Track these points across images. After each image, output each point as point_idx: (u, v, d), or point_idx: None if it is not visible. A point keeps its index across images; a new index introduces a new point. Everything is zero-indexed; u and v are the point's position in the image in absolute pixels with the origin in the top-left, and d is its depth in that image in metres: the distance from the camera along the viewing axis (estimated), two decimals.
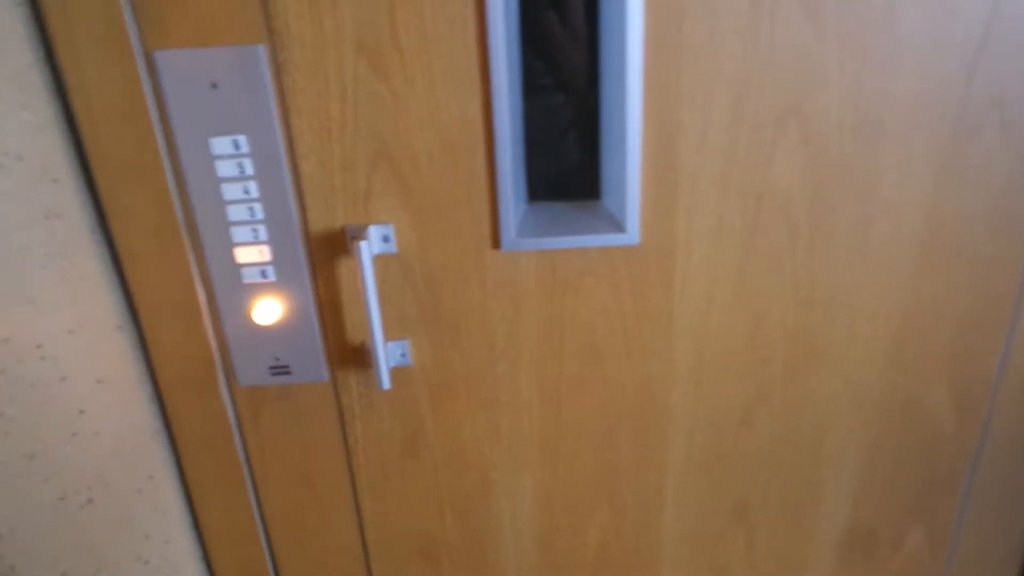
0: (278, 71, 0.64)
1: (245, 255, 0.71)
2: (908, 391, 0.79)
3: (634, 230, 0.70)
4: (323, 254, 0.72)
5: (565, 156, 0.74)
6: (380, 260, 0.72)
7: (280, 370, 0.77)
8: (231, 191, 0.69)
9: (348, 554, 0.88)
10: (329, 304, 0.74)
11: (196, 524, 0.85)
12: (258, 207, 0.69)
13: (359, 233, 0.70)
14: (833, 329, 0.76)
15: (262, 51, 0.63)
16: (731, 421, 0.81)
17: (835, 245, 0.72)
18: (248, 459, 0.82)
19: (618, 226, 0.71)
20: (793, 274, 0.73)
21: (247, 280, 0.72)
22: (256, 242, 0.71)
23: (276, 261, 0.72)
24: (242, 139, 0.67)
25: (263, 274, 0.72)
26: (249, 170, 0.68)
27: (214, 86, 0.65)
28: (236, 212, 0.70)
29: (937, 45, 0.63)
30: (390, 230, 0.71)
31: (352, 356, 0.77)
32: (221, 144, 0.67)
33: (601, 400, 0.79)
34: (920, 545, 0.88)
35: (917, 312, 0.75)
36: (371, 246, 0.70)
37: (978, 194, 0.70)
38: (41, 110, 0.63)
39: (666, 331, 0.76)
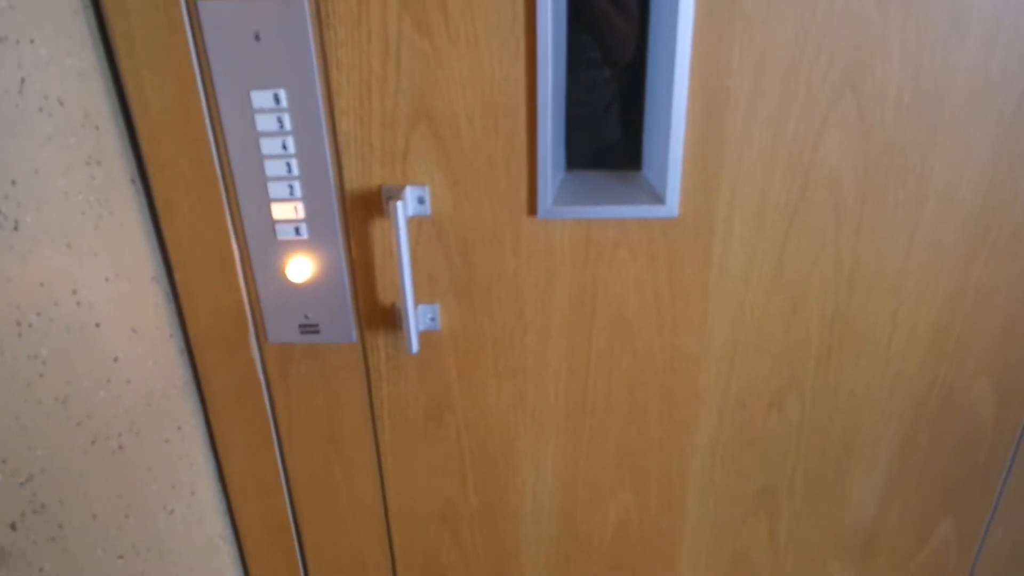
0: (320, 24, 0.63)
1: (280, 211, 0.71)
2: (949, 383, 0.77)
3: (673, 202, 0.69)
4: (357, 213, 0.71)
5: (607, 130, 0.73)
6: (414, 222, 0.72)
7: (310, 329, 0.77)
8: (269, 146, 0.68)
9: (369, 513, 0.88)
10: (361, 264, 0.74)
11: (221, 476, 0.86)
12: (295, 163, 0.69)
13: (395, 193, 0.70)
14: (875, 314, 0.74)
15: (306, 3, 0.62)
16: (762, 404, 0.79)
17: (883, 226, 0.69)
18: (274, 415, 0.83)
19: (657, 197, 0.69)
20: (836, 255, 0.71)
21: (281, 237, 0.72)
22: (291, 199, 0.71)
23: (310, 219, 0.71)
24: (282, 93, 0.66)
25: (297, 231, 0.72)
26: (288, 125, 0.68)
27: (257, 38, 0.64)
28: (273, 167, 0.69)
29: (1005, 18, 0.60)
30: (426, 191, 0.70)
31: (382, 318, 0.77)
32: (261, 97, 0.66)
33: (630, 375, 0.78)
34: (948, 539, 0.86)
35: (965, 301, 0.72)
36: (406, 207, 0.69)
37: None
38: (85, 56, 0.62)
39: (700, 308, 0.74)
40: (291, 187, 0.70)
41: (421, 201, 0.70)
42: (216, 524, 0.86)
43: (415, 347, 0.72)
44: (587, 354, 0.77)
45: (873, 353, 0.76)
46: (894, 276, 0.72)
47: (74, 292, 0.61)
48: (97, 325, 0.64)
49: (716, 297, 0.74)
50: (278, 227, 0.72)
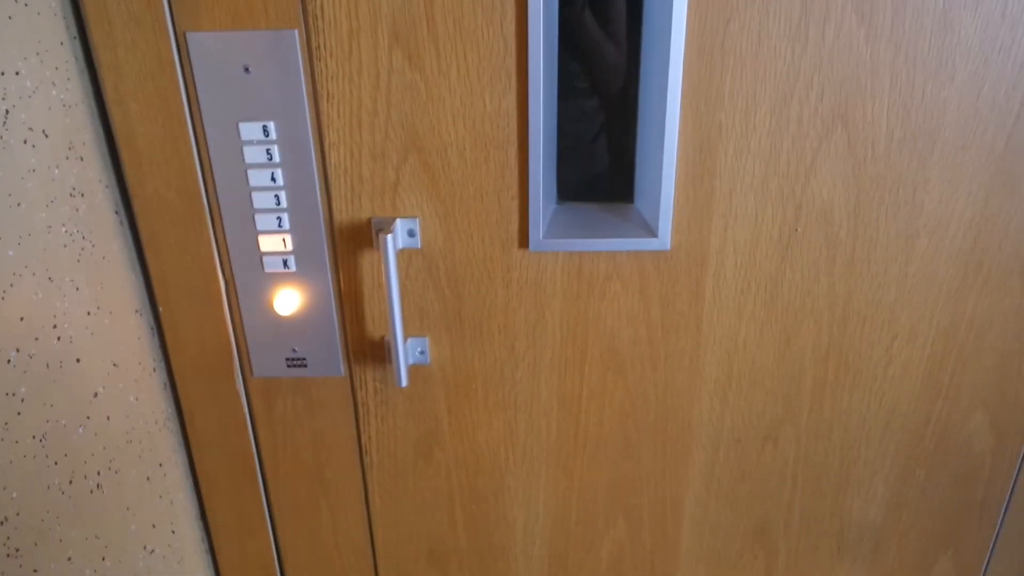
0: (311, 56, 0.63)
1: (268, 244, 0.70)
2: (944, 417, 0.76)
3: (666, 235, 0.68)
4: (346, 246, 0.70)
5: (595, 161, 0.73)
6: (403, 254, 0.71)
7: (296, 362, 0.75)
8: (257, 178, 0.67)
9: (355, 552, 0.86)
10: (349, 297, 0.73)
11: (203, 515, 0.84)
12: (283, 195, 0.68)
13: (385, 226, 0.69)
14: (869, 348, 0.73)
15: (296, 35, 0.62)
16: (756, 438, 0.78)
17: (875, 259, 0.69)
18: (259, 451, 0.81)
19: (649, 230, 0.69)
20: (830, 288, 0.70)
21: (269, 269, 0.71)
22: (279, 231, 0.70)
23: (298, 251, 0.70)
24: (271, 125, 0.66)
25: (284, 264, 0.71)
26: (277, 157, 0.67)
27: (246, 70, 0.64)
28: (261, 199, 0.68)
29: (994, 54, 0.61)
30: (416, 224, 0.69)
31: (370, 351, 0.75)
32: (250, 129, 0.66)
33: (622, 410, 0.77)
34: (948, 573, 0.85)
35: (959, 334, 0.72)
36: (396, 239, 0.68)
37: None
38: (71, 87, 0.62)
39: (693, 341, 0.74)
40: (279, 219, 0.69)
41: (411, 234, 0.70)
42: (197, 564, 0.83)
43: (404, 381, 0.71)
44: (579, 388, 0.76)
45: (868, 387, 0.75)
46: (888, 309, 0.71)
47: (55, 327, 0.60)
48: (78, 360, 0.62)
49: (709, 330, 0.73)
50: (266, 259, 0.71)
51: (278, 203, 0.68)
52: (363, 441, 0.80)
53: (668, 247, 0.69)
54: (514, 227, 0.69)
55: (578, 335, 0.74)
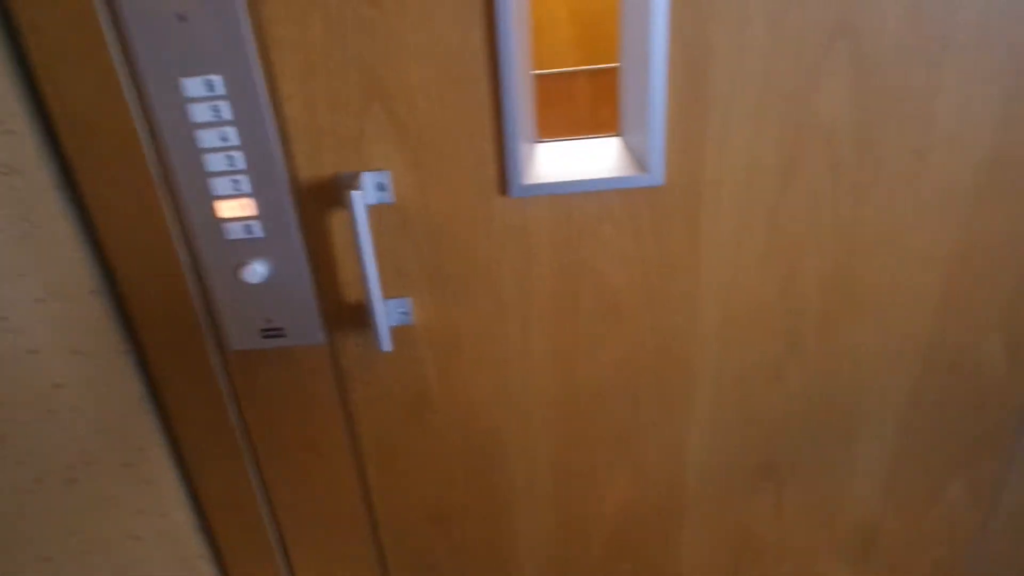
0: None
1: (228, 209, 0.65)
2: (958, 341, 0.73)
3: (658, 169, 0.63)
4: (313, 206, 0.65)
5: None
6: (376, 210, 0.65)
7: (273, 332, 0.71)
8: (207, 138, 0.62)
9: (354, 519, 0.84)
10: (322, 260, 0.68)
11: (193, 495, 0.81)
12: (239, 155, 0.62)
13: (351, 181, 0.63)
14: (877, 275, 0.69)
15: None
16: (760, 377, 0.75)
17: (883, 182, 0.64)
18: (245, 425, 0.77)
19: (640, 165, 0.63)
20: (834, 216, 0.66)
21: (232, 236, 0.66)
22: (239, 194, 0.64)
23: (262, 215, 0.65)
24: (216, 79, 0.59)
25: (248, 230, 0.66)
26: (227, 114, 0.61)
27: (181, 18, 0.57)
28: (215, 162, 0.63)
29: None
30: (386, 177, 0.64)
31: (349, 316, 0.71)
32: (193, 85, 0.60)
33: (620, 357, 0.73)
34: (960, 499, 0.83)
35: (974, 255, 0.68)
36: (365, 195, 0.63)
37: None
38: None
39: (692, 281, 0.69)
40: (237, 182, 0.64)
41: (381, 187, 0.64)
42: (192, 544, 0.81)
43: (387, 344, 0.67)
44: (573, 338, 0.72)
45: (876, 316, 0.72)
46: (897, 234, 0.67)
47: (3, 319, 0.55)
48: (32, 352, 0.58)
49: (707, 268, 0.69)
50: (227, 226, 0.65)
51: (233, 164, 0.63)
52: (351, 408, 0.76)
53: (661, 182, 0.64)
54: (492, 172, 0.63)
55: (569, 283, 0.69)
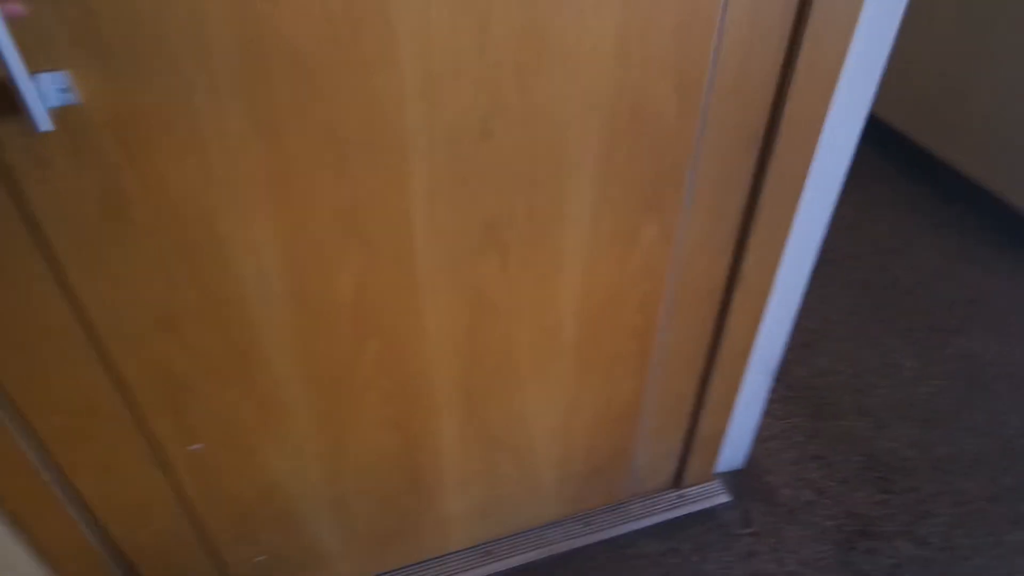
0: None
1: None
2: (635, 88, 0.80)
3: None
4: None
5: None
6: None
7: None
8: None
9: (69, 340, 0.78)
10: None
11: None
12: None
13: None
14: (562, 23, 0.72)
15: None
16: (471, 134, 0.78)
17: None
18: None
19: None
20: None
21: None
22: None
23: None
24: None
25: None
26: None
27: None
28: None
29: None
30: None
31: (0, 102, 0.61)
32: None
33: (327, 128, 0.72)
34: (654, 238, 0.96)
35: (638, 2, 0.73)
36: None
37: None
38: None
39: (386, 38, 0.68)
40: None
41: None
42: None
43: (45, 123, 0.59)
44: (271, 110, 0.69)
45: (567, 66, 0.76)
46: None
47: None
48: None
49: (399, 23, 0.68)
50: None
51: None
52: (33, 212, 0.68)
53: None
54: None
55: (254, 47, 0.65)
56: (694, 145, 0.88)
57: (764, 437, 1.57)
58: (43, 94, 0.61)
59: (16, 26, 0.58)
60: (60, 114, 0.63)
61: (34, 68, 0.60)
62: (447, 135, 0.77)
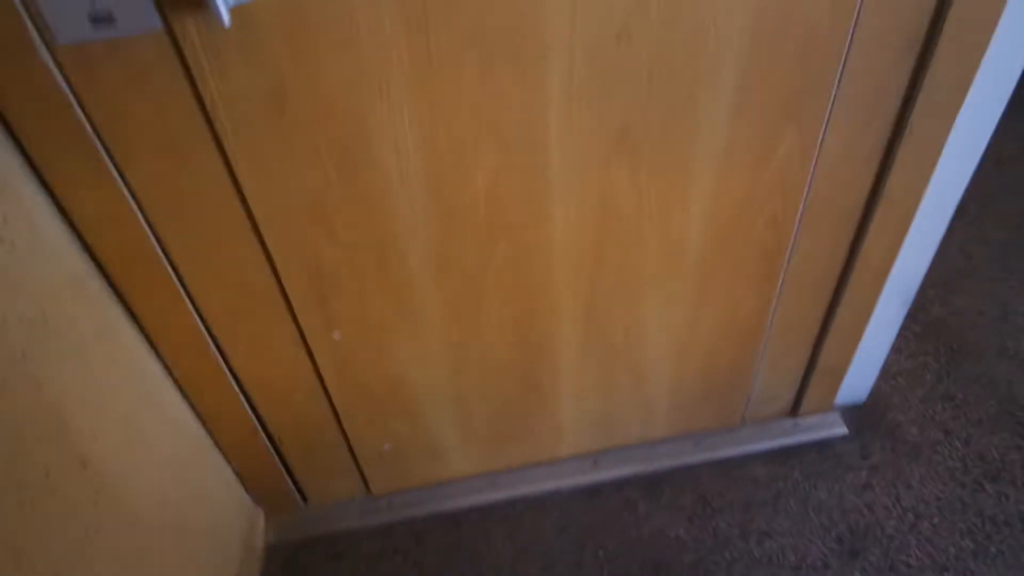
0: None
1: None
2: None
3: None
4: None
5: None
6: None
7: (102, 19, 0.67)
8: None
9: (234, 225, 0.86)
10: None
11: (63, 213, 0.80)
12: None
13: None
14: None
15: None
16: (610, 37, 0.77)
17: None
18: (98, 134, 0.75)
19: None
20: None
21: None
22: None
23: None
24: None
25: None
26: None
27: None
28: None
29: None
30: None
31: None
32: None
33: (472, 24, 0.74)
34: (792, 149, 0.93)
35: None
36: None
37: None
38: None
39: None
40: None
41: None
42: (73, 261, 0.82)
43: (226, 19, 0.64)
44: (421, 3, 0.71)
45: None
46: None
47: None
48: None
49: None
50: None
51: None
52: (207, 103, 0.75)
53: None
54: None
55: None
56: (844, 50, 0.83)
57: (891, 373, 1.51)
58: None
59: None
60: (236, 12, 0.69)
61: None
62: (586, 41, 0.77)
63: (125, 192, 0.80)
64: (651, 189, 0.94)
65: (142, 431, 0.92)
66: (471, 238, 0.94)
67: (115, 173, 0.78)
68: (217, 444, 1.15)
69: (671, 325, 1.15)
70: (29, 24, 0.66)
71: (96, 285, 0.86)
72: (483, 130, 0.83)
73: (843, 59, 0.84)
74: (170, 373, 1.01)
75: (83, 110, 0.73)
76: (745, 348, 1.23)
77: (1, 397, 0.66)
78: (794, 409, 1.41)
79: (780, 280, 1.11)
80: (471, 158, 0.85)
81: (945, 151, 0.97)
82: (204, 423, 1.11)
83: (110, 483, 0.82)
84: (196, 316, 0.95)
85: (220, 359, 1.02)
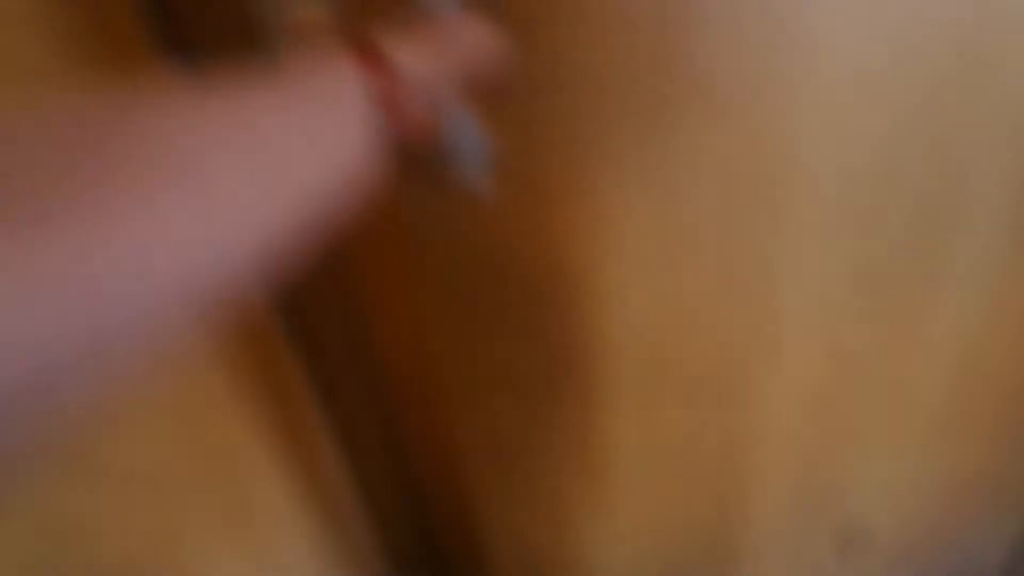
0: None
1: None
2: None
3: None
4: None
5: None
6: None
7: None
8: None
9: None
10: None
11: None
12: None
13: None
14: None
15: None
16: (869, 168, 0.67)
17: None
18: None
19: None
20: None
21: None
22: None
23: None
24: None
25: None
26: None
27: None
28: None
29: None
30: None
31: None
32: None
33: (721, 165, 0.65)
34: None
35: None
36: None
37: None
38: None
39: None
40: None
41: None
42: None
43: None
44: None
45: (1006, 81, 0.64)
46: None
47: None
48: None
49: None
50: None
51: None
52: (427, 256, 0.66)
53: None
54: None
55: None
56: None
57: None
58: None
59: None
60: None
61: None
62: (842, 170, 0.67)
63: None
64: (886, 326, 0.80)
65: None
66: (686, 404, 0.81)
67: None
68: None
69: (893, 484, 0.98)
70: None
71: None
72: (717, 289, 0.72)
73: None
74: None
75: None
76: (972, 508, 1.04)
77: None
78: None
79: None
80: (699, 317, 0.74)
81: None
82: None
83: None
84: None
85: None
